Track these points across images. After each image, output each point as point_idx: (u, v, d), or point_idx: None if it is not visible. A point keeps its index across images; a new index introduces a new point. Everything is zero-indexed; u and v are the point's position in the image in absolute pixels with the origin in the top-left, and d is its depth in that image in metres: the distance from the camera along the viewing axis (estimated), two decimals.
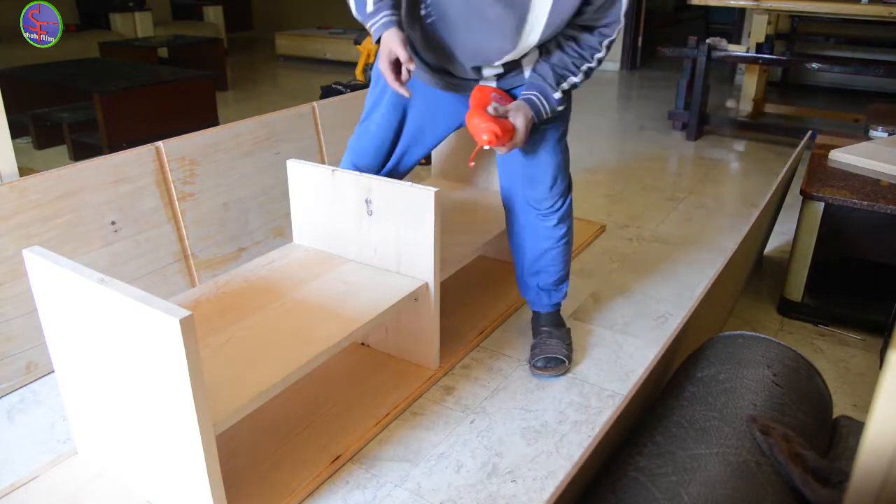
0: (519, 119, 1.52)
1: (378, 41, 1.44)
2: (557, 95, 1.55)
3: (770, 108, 4.63)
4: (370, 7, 1.46)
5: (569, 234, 1.82)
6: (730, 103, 4.87)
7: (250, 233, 2.23)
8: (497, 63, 1.56)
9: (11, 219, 1.69)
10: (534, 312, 1.93)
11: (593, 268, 2.43)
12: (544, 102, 1.55)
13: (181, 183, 2.03)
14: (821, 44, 5.18)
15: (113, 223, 1.88)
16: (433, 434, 1.60)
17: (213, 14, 6.87)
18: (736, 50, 4.14)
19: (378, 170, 1.80)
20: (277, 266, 1.78)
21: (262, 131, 2.28)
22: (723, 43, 4.04)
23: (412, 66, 1.40)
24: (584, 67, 1.54)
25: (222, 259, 2.13)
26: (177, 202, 2.02)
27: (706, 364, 1.04)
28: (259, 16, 8.66)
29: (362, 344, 1.90)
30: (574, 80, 1.55)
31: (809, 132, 2.49)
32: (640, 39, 6.46)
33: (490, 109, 1.50)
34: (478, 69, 1.59)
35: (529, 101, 1.55)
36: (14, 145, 2.17)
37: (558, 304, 1.91)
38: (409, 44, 1.46)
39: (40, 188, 1.74)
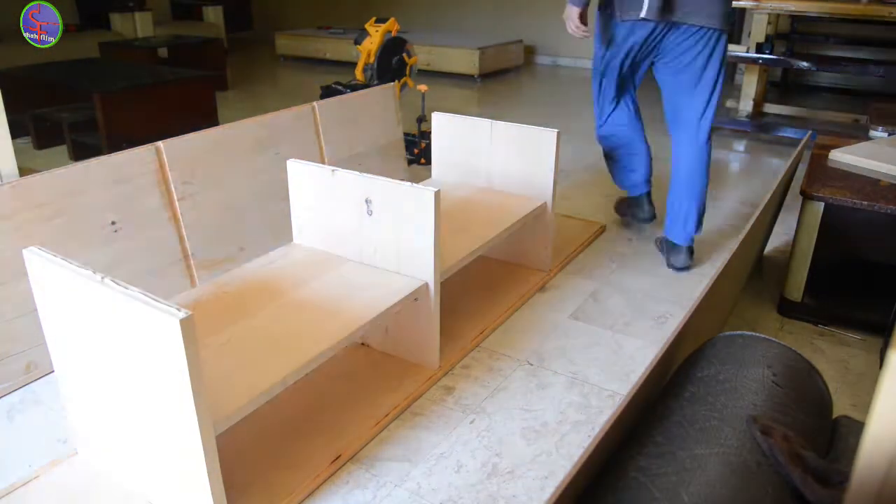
0: None
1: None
2: None
3: (770, 108, 4.63)
4: None
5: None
6: (730, 103, 4.87)
7: (250, 233, 2.23)
8: None
9: (12, 219, 1.69)
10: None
11: (593, 268, 2.43)
12: None
13: (181, 183, 2.03)
14: (821, 44, 5.18)
15: (113, 223, 1.88)
16: (433, 434, 1.60)
17: (213, 14, 6.87)
18: (736, 50, 4.14)
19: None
20: (277, 266, 1.78)
21: (262, 131, 2.28)
22: None
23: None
24: None
25: (222, 259, 2.13)
26: (177, 202, 2.02)
27: (706, 364, 1.04)
28: (259, 16, 8.66)
29: (362, 344, 1.90)
30: None
31: (809, 132, 2.49)
32: None
33: None
34: None
35: None
36: (14, 145, 2.17)
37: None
38: None
39: (41, 188, 1.74)
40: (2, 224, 1.67)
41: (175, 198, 2.02)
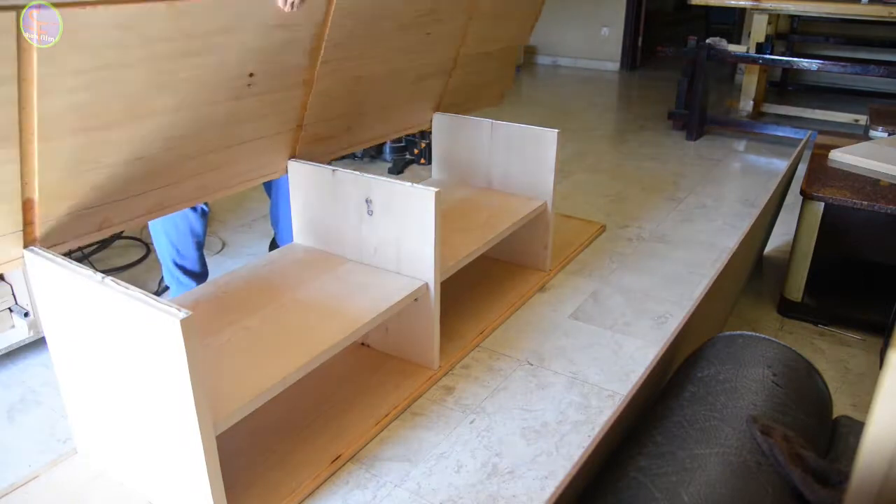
0: None
1: None
2: None
3: (770, 108, 4.63)
4: None
5: None
6: (730, 103, 4.87)
7: (365, 113, 2.01)
8: None
9: (150, 47, 1.31)
10: None
11: (593, 268, 2.43)
12: None
13: (333, 45, 1.71)
14: (821, 44, 5.18)
15: (251, 75, 1.56)
16: (433, 434, 1.60)
17: None
18: (736, 50, 4.14)
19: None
20: (277, 266, 1.78)
21: (425, 4, 1.96)
22: (723, 43, 4.04)
23: None
24: None
25: (325, 136, 1.92)
26: (318, 65, 1.73)
27: (706, 364, 1.04)
28: None
29: (362, 344, 1.90)
30: None
31: (809, 132, 2.49)
32: (640, 39, 6.46)
33: None
34: None
35: None
36: None
37: None
38: None
39: (199, 16, 1.35)
40: (139, 50, 1.29)
41: (319, 60, 1.72)
